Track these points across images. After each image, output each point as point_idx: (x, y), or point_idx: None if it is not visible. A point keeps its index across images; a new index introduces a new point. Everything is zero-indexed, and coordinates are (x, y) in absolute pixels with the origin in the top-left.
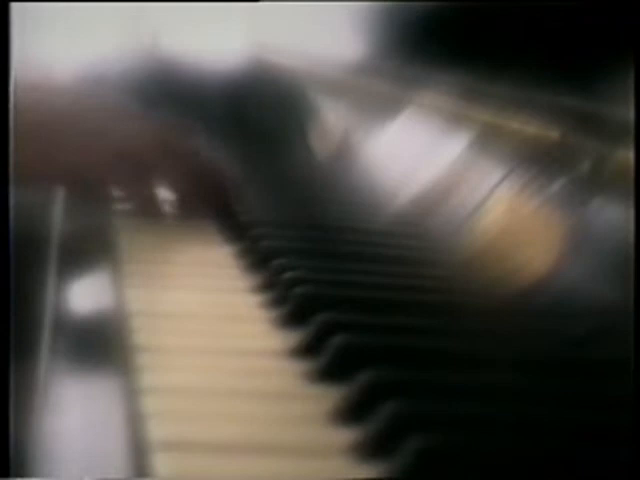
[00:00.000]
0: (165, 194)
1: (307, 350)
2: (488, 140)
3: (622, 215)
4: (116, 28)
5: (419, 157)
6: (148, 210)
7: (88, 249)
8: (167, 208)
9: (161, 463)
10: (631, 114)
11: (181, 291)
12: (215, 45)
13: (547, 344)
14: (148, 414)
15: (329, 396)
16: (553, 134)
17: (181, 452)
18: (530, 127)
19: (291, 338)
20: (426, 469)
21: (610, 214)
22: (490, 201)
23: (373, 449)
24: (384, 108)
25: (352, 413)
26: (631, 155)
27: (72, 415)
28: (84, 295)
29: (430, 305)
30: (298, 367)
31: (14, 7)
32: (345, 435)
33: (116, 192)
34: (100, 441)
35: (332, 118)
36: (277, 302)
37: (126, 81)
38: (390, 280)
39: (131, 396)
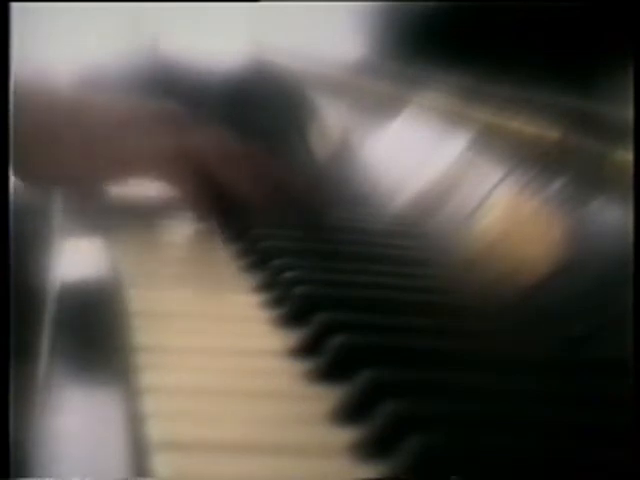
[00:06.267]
0: (163, 193)
1: (307, 350)
2: (488, 140)
3: (622, 215)
4: (116, 28)
5: (419, 157)
6: (146, 209)
7: (88, 249)
8: (166, 207)
9: (161, 463)
10: (631, 114)
11: (181, 291)
12: (215, 45)
13: (547, 344)
14: (148, 414)
15: (329, 396)
16: (553, 134)
17: (181, 452)
18: (530, 127)
19: (291, 338)
20: (426, 469)
21: (610, 214)
22: (490, 201)
23: (373, 449)
24: (384, 108)
25: (352, 413)
26: (631, 155)
27: (72, 415)
28: (84, 295)
29: (430, 305)
30: (298, 367)
31: (14, 7)
32: (345, 435)
33: (117, 191)
34: (100, 441)
35: (332, 118)
36: (277, 302)
37: (126, 81)
38: (390, 280)
39: (131, 396)
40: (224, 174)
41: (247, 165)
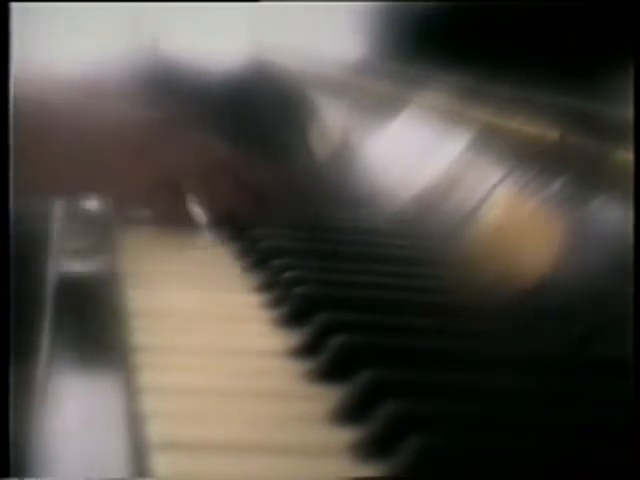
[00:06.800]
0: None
1: (307, 350)
2: (488, 140)
3: (622, 215)
4: (116, 28)
5: (419, 157)
6: (147, 212)
7: (88, 249)
8: (166, 209)
9: (161, 463)
10: (631, 114)
11: (181, 291)
12: (215, 45)
13: (547, 344)
14: (148, 414)
15: (329, 396)
16: (553, 134)
17: (181, 452)
18: (530, 127)
19: (291, 338)
20: (426, 469)
21: (610, 214)
22: (490, 201)
23: (373, 449)
24: (384, 108)
25: (352, 413)
26: (631, 155)
27: (72, 415)
28: (84, 295)
29: (430, 305)
30: (298, 367)
31: (14, 7)
32: (345, 435)
33: (117, 192)
34: (100, 441)
35: (332, 118)
36: (277, 302)
37: (126, 81)
38: (390, 280)
39: (131, 396)
40: (204, 191)
41: (229, 179)
